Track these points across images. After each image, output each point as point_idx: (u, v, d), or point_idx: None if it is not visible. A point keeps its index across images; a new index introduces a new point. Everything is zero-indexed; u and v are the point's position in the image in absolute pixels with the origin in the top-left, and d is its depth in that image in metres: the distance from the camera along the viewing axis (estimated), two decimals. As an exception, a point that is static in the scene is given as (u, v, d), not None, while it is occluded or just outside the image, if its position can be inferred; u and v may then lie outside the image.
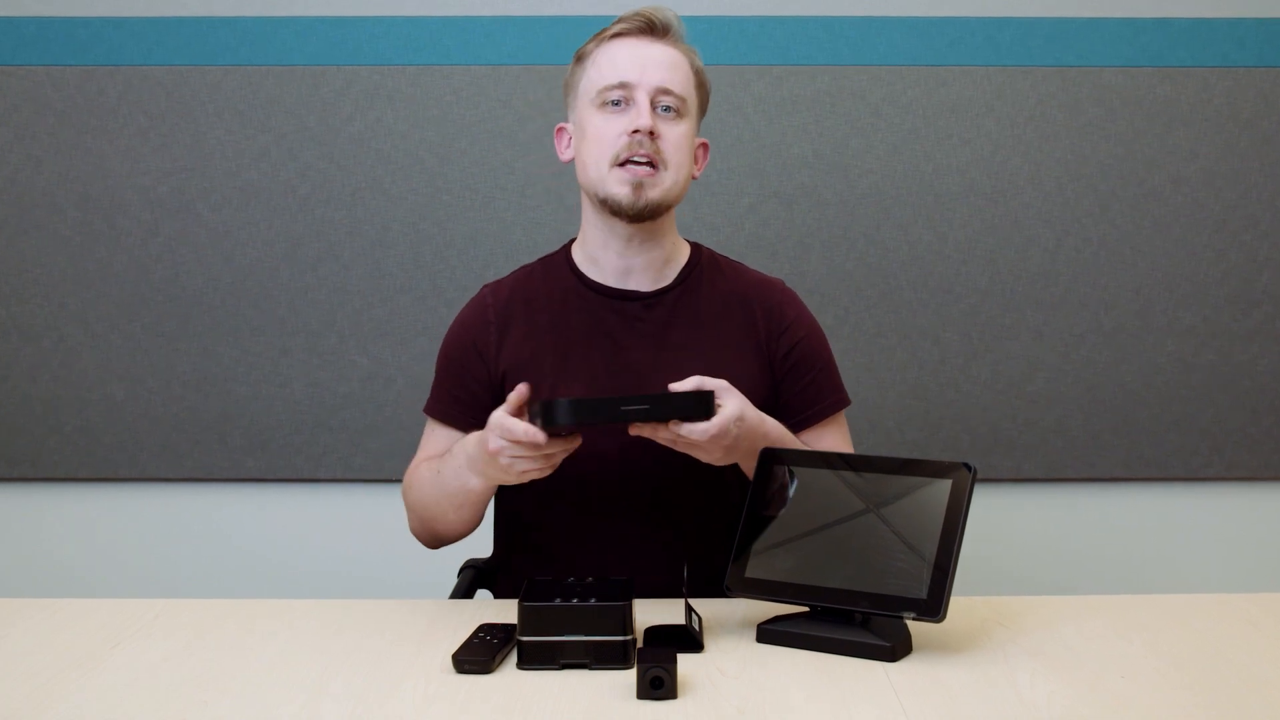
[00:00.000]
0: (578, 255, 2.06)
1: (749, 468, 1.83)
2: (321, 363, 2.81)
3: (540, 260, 2.11)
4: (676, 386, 1.72)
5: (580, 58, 2.00)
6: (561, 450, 1.72)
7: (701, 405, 1.68)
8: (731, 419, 1.72)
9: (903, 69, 2.76)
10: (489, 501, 1.93)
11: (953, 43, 2.75)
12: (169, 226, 2.78)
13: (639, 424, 1.70)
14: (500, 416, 1.69)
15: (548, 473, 1.74)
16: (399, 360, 2.80)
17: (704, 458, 1.77)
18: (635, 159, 1.90)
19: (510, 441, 1.68)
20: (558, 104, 2.68)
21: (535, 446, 1.68)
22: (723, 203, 2.77)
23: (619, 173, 1.91)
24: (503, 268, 2.59)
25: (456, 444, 1.88)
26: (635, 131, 1.89)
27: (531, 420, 1.67)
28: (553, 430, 1.66)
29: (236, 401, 2.81)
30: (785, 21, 2.74)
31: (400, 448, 2.79)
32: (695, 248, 2.09)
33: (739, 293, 2.06)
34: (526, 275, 2.09)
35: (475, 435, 1.80)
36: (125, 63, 2.75)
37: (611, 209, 1.93)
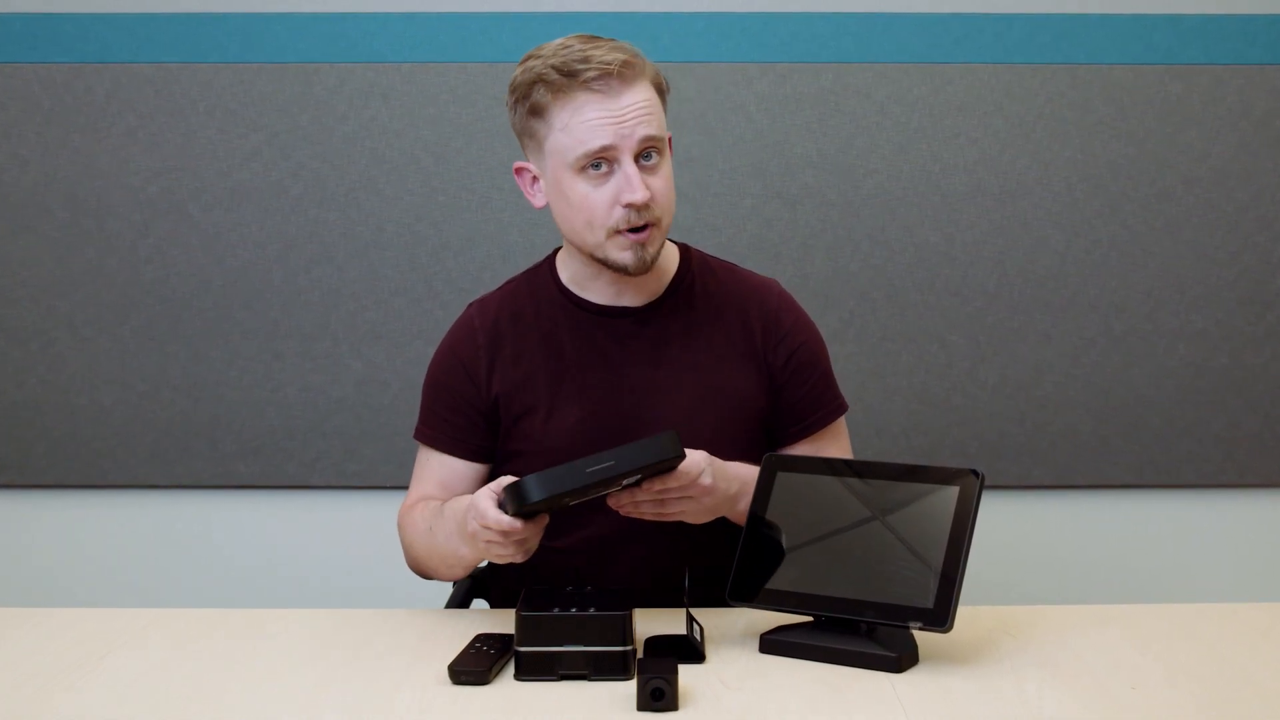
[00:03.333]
0: (564, 274, 2.02)
1: (739, 513, 1.84)
2: (315, 367, 2.80)
3: (525, 274, 2.07)
4: None
5: (537, 110, 1.85)
6: (534, 535, 1.72)
7: (668, 445, 1.66)
8: (702, 457, 1.75)
9: (909, 66, 2.74)
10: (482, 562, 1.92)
11: (960, 39, 2.74)
12: (159, 227, 2.77)
13: (620, 500, 1.74)
14: (480, 500, 1.69)
15: (521, 559, 1.74)
16: (394, 364, 2.79)
17: (691, 517, 1.80)
18: (634, 229, 1.86)
19: (484, 527, 1.68)
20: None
21: (511, 533, 1.68)
22: (724, 203, 2.76)
23: (619, 240, 1.86)
24: (499, 270, 2.63)
25: (449, 505, 1.86)
26: (630, 204, 1.83)
27: (502, 507, 1.66)
28: (527, 511, 1.65)
29: (228, 406, 2.80)
30: (788, 18, 2.73)
31: (395, 453, 2.78)
32: (684, 251, 2.05)
33: (733, 299, 2.02)
34: (512, 291, 2.05)
35: (466, 502, 1.77)
36: (114, 60, 2.74)
37: (613, 269, 1.90)
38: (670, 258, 2.02)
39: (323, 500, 2.85)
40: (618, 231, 1.85)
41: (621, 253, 1.86)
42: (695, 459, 1.73)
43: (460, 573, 1.94)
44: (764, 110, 2.74)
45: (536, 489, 1.61)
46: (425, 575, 2.00)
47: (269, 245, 2.77)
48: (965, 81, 2.74)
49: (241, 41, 2.73)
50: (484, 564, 2.20)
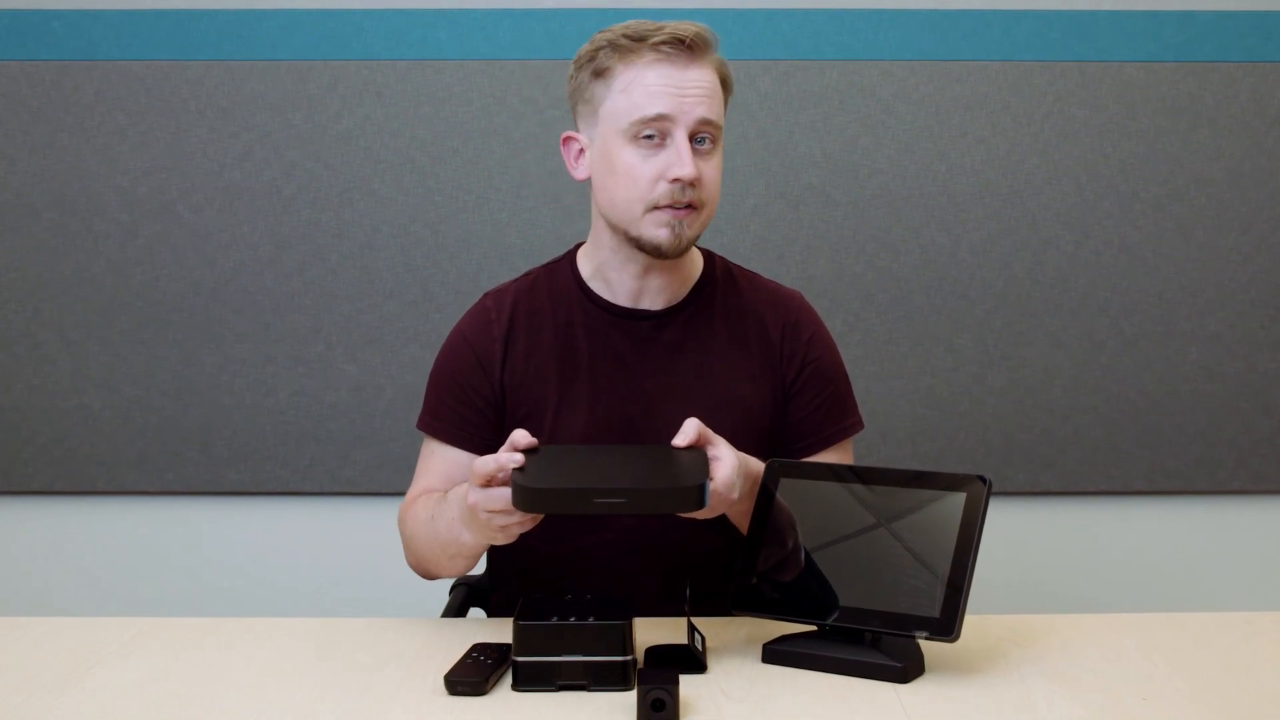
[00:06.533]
0: (585, 268, 1.99)
1: (739, 513, 1.79)
2: (308, 371, 2.77)
3: (545, 267, 2.04)
4: (677, 441, 1.67)
5: (600, 73, 1.84)
6: (522, 524, 1.68)
7: (688, 499, 1.59)
8: (725, 486, 1.67)
9: (915, 64, 2.73)
10: (484, 552, 1.88)
11: (967, 36, 2.72)
12: (148, 228, 2.75)
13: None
14: (477, 462, 1.65)
15: (529, 526, 1.69)
16: (389, 368, 2.77)
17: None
18: (675, 206, 1.83)
19: (484, 489, 1.64)
20: (554, 101, 2.69)
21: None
22: (727, 204, 2.71)
23: (657, 215, 1.83)
24: (497, 271, 2.62)
25: (453, 490, 1.82)
26: (676, 180, 1.80)
27: (512, 482, 1.61)
28: (524, 505, 1.61)
29: (219, 411, 2.78)
30: (792, 14, 2.71)
31: (390, 459, 2.76)
32: (709, 258, 2.03)
33: (754, 310, 2.00)
34: (530, 284, 2.01)
35: (466, 487, 1.74)
36: (103, 57, 2.72)
37: (645, 249, 1.86)
38: (694, 263, 2.00)
39: (316, 507, 2.83)
40: (657, 207, 1.82)
41: (658, 229, 1.82)
42: (718, 501, 1.66)
43: (462, 564, 1.87)
44: (767, 109, 2.73)
45: (533, 504, 1.58)
46: (426, 573, 1.96)
47: (261, 247, 2.75)
48: (972, 79, 2.72)
49: (233, 39, 2.71)
50: (482, 570, 2.19)
